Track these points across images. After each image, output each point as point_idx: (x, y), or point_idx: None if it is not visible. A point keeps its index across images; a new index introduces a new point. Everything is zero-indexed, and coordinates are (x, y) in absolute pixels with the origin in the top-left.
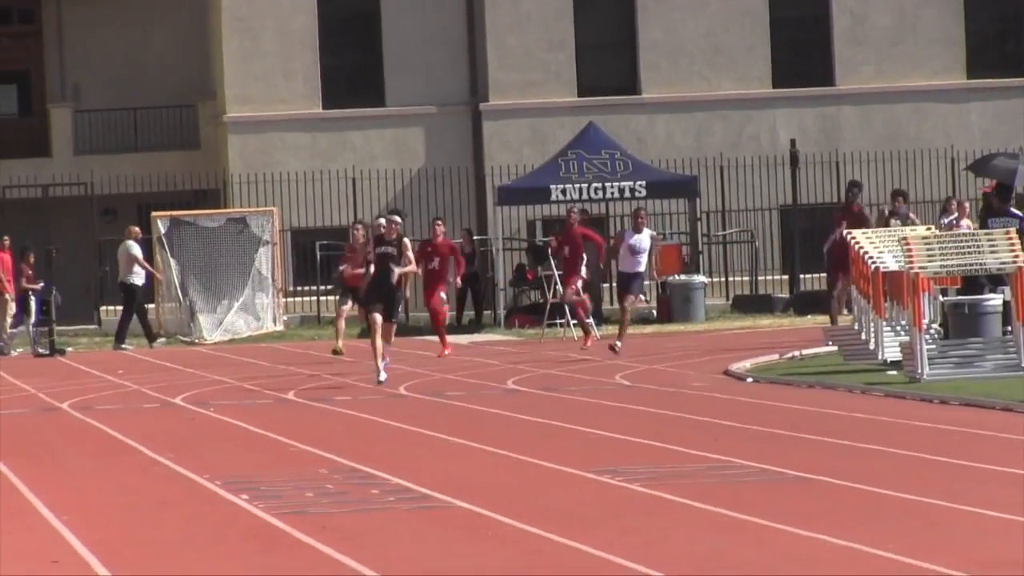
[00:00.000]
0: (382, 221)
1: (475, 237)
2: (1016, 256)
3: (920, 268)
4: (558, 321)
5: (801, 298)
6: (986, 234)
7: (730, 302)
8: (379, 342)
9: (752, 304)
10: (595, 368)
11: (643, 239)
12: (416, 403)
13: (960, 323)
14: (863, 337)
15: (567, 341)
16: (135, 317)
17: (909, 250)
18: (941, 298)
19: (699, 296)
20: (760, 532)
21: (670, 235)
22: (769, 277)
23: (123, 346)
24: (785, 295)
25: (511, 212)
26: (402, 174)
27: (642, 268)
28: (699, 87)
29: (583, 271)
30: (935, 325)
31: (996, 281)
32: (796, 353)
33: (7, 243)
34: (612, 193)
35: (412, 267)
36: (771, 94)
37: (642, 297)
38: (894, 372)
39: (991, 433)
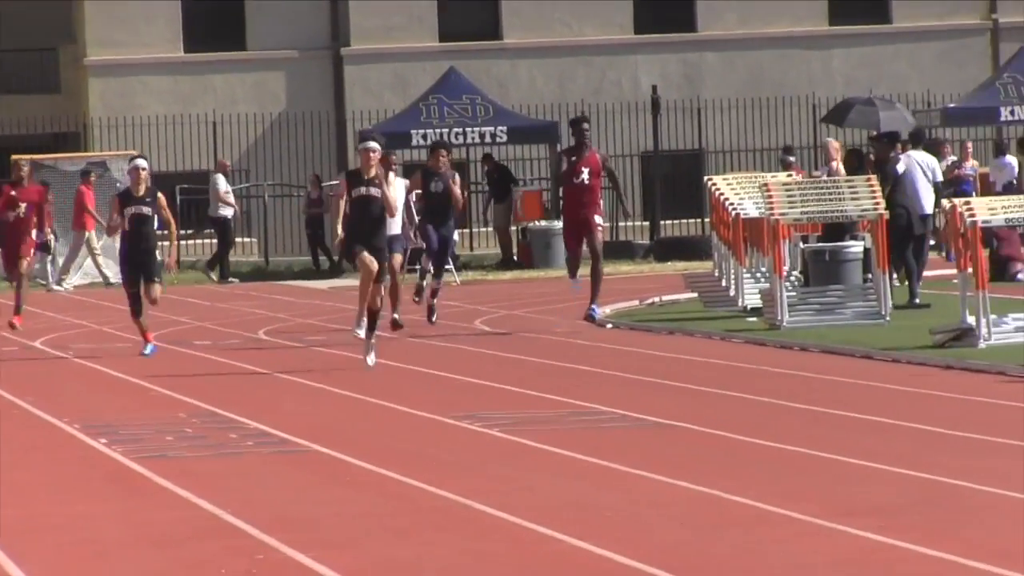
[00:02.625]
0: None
1: (335, 182)
2: (877, 204)
3: (781, 215)
4: (417, 267)
5: (662, 244)
6: (847, 181)
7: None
8: (370, 288)
9: (614, 250)
10: (455, 313)
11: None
12: (275, 348)
13: (820, 270)
14: (723, 284)
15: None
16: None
17: (770, 197)
18: (802, 245)
19: (559, 242)
20: (620, 478)
21: (531, 181)
22: (630, 223)
23: None
24: (646, 241)
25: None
26: (263, 118)
27: (396, 229)
28: (561, 33)
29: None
30: (795, 272)
31: (849, 229)
32: (656, 299)
33: (92, 179)
34: (473, 138)
35: (394, 205)
36: (633, 40)
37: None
38: (754, 319)
39: (851, 380)
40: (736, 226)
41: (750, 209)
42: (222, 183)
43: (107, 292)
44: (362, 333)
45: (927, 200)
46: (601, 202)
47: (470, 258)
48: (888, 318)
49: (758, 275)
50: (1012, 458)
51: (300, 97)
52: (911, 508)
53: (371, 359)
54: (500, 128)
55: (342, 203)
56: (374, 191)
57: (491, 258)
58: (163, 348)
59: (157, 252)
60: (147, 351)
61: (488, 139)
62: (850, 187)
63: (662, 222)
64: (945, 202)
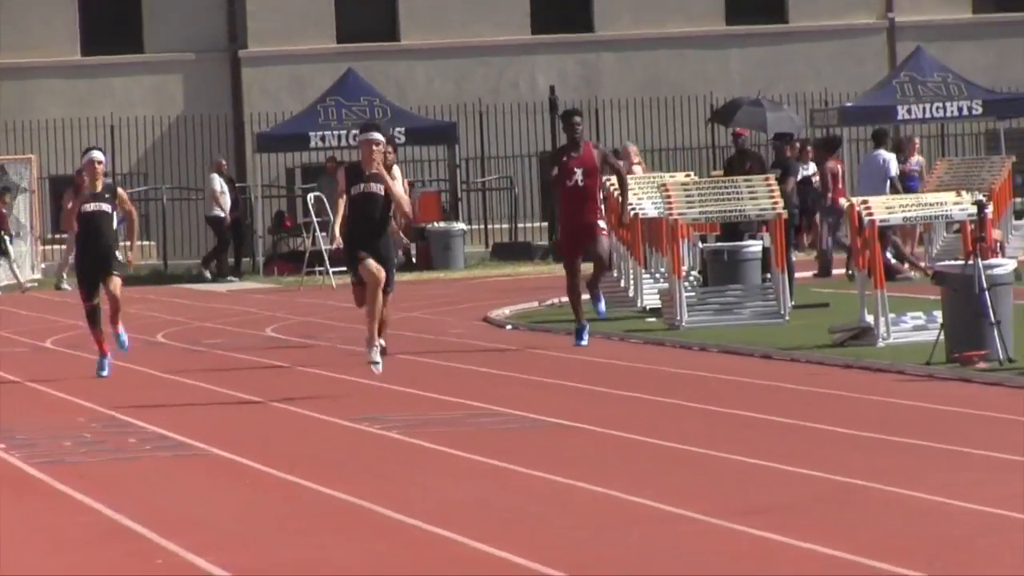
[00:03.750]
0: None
1: (236, 184)
2: (775, 203)
3: (679, 215)
4: (317, 269)
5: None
6: (745, 180)
7: (489, 250)
8: (378, 302)
9: (511, 251)
10: (355, 316)
11: None
12: (173, 351)
13: (719, 270)
14: (622, 284)
15: (326, 289)
16: None
17: (668, 196)
18: (700, 245)
19: (458, 243)
20: (518, 479)
21: (429, 182)
22: (528, 224)
23: None
24: (544, 243)
25: (270, 159)
26: (161, 121)
27: None
28: (459, 33)
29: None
30: (694, 272)
31: (747, 228)
32: (555, 300)
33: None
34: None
35: (405, 203)
36: (530, 40)
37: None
38: (653, 319)
39: (749, 380)
40: (634, 226)
41: (649, 209)
42: (217, 183)
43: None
44: (377, 358)
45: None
46: (602, 207)
47: None
48: (787, 317)
49: (657, 275)
50: (910, 457)
51: (198, 99)
52: (809, 507)
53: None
54: (398, 129)
55: (341, 203)
56: (376, 187)
57: None
58: (59, 352)
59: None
60: (122, 348)
61: None
62: (748, 187)
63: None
64: (843, 201)
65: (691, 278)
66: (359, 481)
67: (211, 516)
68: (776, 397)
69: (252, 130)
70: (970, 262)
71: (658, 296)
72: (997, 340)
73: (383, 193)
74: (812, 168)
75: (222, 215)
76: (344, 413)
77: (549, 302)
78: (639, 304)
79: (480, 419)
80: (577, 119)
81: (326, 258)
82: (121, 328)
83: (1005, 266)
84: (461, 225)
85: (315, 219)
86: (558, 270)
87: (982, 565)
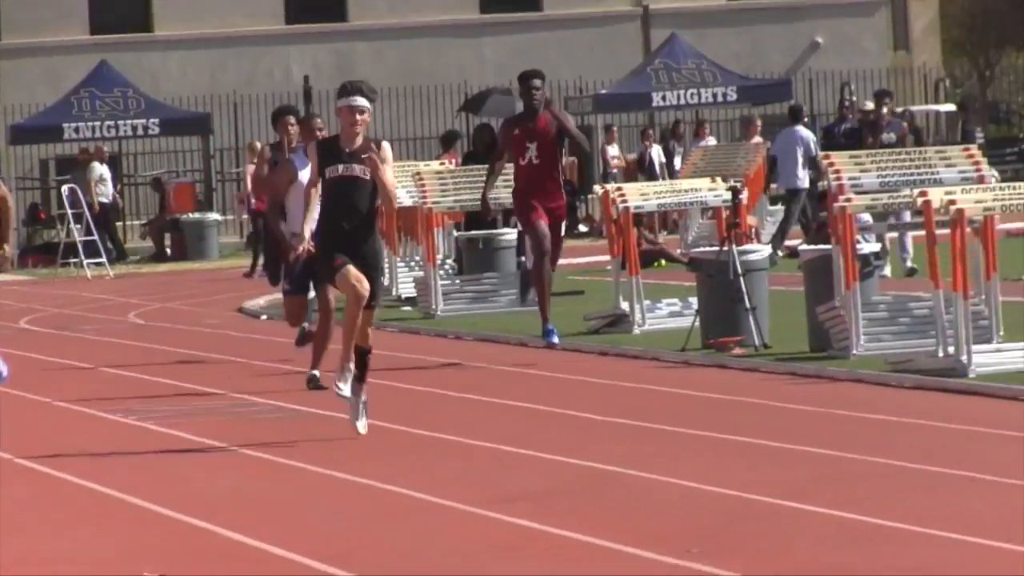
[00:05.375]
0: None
1: None
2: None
3: (434, 203)
4: (72, 260)
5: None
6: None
7: (244, 240)
8: (357, 319)
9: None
10: (109, 307)
11: None
12: None
13: (475, 258)
14: None
15: (80, 280)
16: None
17: (423, 185)
18: (455, 233)
19: (212, 234)
20: (276, 469)
21: (184, 173)
22: None
23: None
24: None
25: (25, 151)
26: None
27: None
28: (213, 24)
29: None
30: (450, 260)
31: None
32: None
33: None
34: (125, 131)
35: (394, 196)
36: (285, 30)
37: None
38: (409, 308)
39: (505, 368)
40: (389, 215)
41: (403, 198)
42: (97, 171)
43: None
44: (347, 390)
45: (801, 175)
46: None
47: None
48: None
49: (412, 264)
50: (666, 443)
51: None
52: (566, 494)
53: (362, 424)
54: (152, 120)
55: (314, 192)
56: (360, 170)
57: (144, 251)
58: None
59: None
60: None
61: (140, 131)
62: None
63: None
64: (597, 187)
65: (447, 266)
66: (117, 473)
67: None
68: (532, 384)
69: (6, 122)
70: (725, 248)
71: (413, 285)
72: (752, 326)
73: (368, 178)
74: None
75: (105, 201)
76: (102, 405)
77: None
78: (394, 293)
79: (237, 409)
80: (536, 82)
81: (80, 249)
82: None
83: (760, 252)
84: (215, 215)
85: (69, 210)
86: None
87: (738, 551)
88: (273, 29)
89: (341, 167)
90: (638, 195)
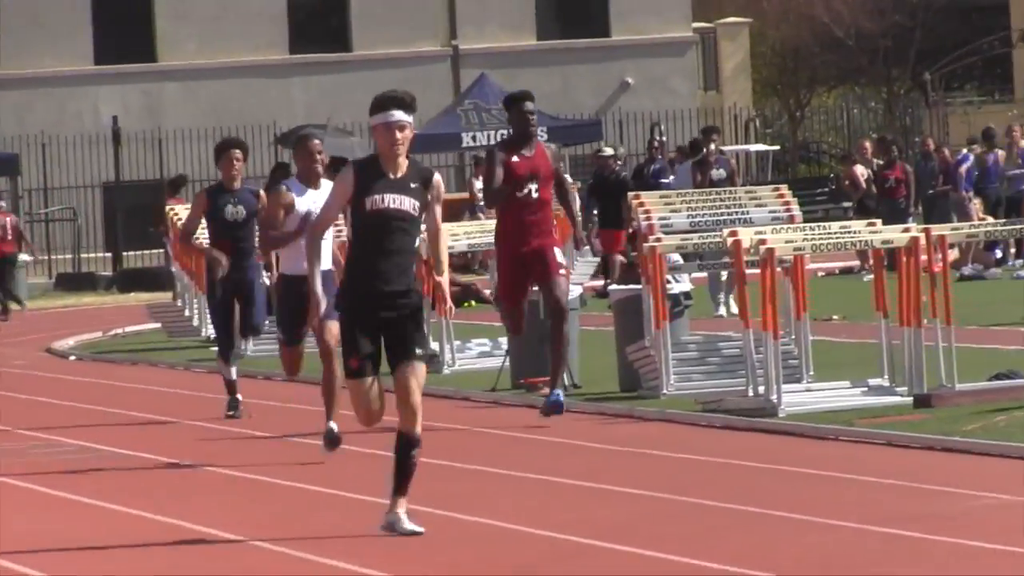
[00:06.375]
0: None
1: None
2: None
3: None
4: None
5: (125, 275)
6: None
7: (53, 280)
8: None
9: (75, 282)
10: None
11: None
12: None
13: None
14: (187, 314)
15: None
16: None
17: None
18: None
19: (21, 275)
20: (81, 509)
21: None
22: (92, 255)
23: None
24: (109, 272)
25: None
26: None
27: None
28: (21, 64)
29: None
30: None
31: None
32: (120, 331)
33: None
34: None
35: (444, 243)
36: (93, 71)
37: None
38: (216, 349)
39: (313, 409)
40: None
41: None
42: None
43: None
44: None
45: None
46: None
47: None
48: None
49: None
50: (477, 483)
51: None
52: (372, 534)
53: (409, 524)
54: None
55: (321, 233)
56: (410, 204)
57: None
58: None
59: None
60: None
61: None
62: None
63: (124, 253)
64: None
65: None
66: None
67: None
68: (341, 425)
69: None
70: (535, 288)
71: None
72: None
73: (417, 214)
74: None
75: None
76: None
77: (113, 332)
78: (204, 333)
79: (43, 449)
80: (529, 105)
81: None
82: None
83: (571, 292)
84: (25, 256)
85: None
86: (122, 300)
87: None
88: (82, 69)
89: (389, 197)
90: (447, 235)
